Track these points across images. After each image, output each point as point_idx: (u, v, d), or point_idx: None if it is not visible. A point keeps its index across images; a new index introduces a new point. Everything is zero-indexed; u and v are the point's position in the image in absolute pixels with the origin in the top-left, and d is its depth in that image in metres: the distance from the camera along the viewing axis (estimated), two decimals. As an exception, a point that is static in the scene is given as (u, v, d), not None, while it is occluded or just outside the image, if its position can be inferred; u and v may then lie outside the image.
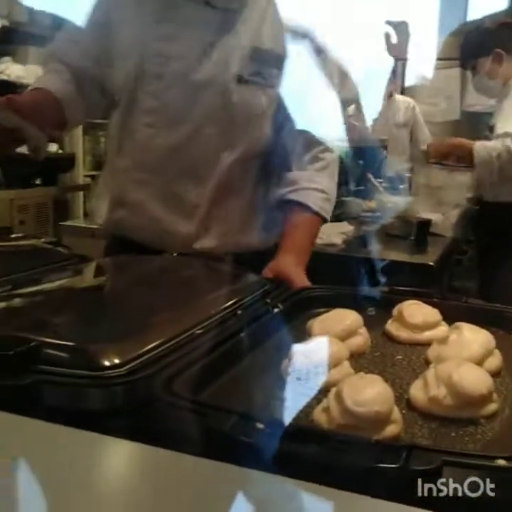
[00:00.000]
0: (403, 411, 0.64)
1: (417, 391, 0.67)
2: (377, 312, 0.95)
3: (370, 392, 0.59)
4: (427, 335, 0.85)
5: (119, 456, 0.57)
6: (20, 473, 0.51)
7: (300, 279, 1.10)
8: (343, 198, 2.42)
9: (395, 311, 0.90)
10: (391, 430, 0.58)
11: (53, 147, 3.62)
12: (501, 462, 0.50)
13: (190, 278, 1.03)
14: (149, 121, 1.21)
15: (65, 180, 3.75)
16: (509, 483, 0.50)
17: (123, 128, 1.25)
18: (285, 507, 0.49)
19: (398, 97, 3.96)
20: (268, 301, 0.93)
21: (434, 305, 0.91)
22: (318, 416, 0.61)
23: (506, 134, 2.18)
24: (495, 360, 0.77)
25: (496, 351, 0.78)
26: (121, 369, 0.63)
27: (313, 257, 1.26)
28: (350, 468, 0.49)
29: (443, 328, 0.86)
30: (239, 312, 0.87)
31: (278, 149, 1.25)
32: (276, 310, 0.90)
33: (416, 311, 0.88)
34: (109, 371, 0.62)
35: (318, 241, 2.00)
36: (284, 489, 0.50)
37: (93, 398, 0.62)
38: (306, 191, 1.23)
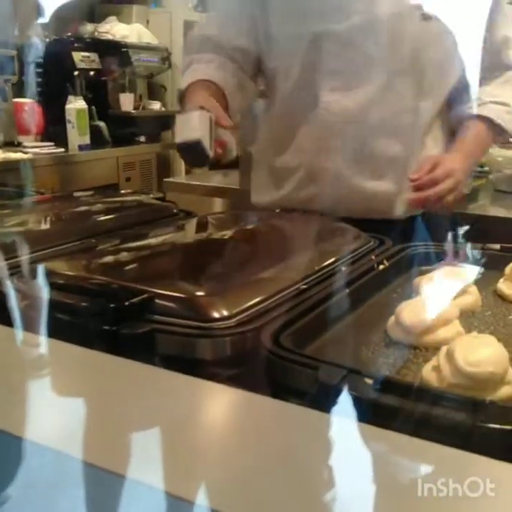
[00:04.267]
0: (517, 372, 0.62)
1: (532, 352, 0.64)
2: (487, 271, 0.91)
3: (484, 352, 0.57)
4: (542, 295, 0.81)
5: (225, 403, 0.59)
6: (132, 415, 0.54)
7: (451, 167, 1.06)
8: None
9: (507, 270, 0.87)
10: (505, 391, 0.56)
11: (156, 105, 3.69)
12: None
13: (294, 234, 1.03)
14: (334, 85, 1.14)
15: (167, 137, 3.83)
16: None
17: (299, 99, 1.18)
18: (391, 461, 0.49)
19: None
20: (373, 257, 0.92)
21: (550, 264, 0.86)
22: (428, 374, 0.60)
23: None
24: None
25: None
26: (231, 321, 0.64)
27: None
28: (464, 428, 0.48)
29: (560, 288, 0.82)
30: (343, 268, 0.86)
31: (464, 78, 1.20)
32: (381, 267, 0.89)
33: (531, 269, 0.84)
34: (219, 323, 0.64)
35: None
36: (391, 444, 0.50)
37: (203, 348, 0.64)
38: (486, 105, 1.18)
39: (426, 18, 1.10)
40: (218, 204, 2.38)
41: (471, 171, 1.15)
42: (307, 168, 1.20)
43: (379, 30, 1.10)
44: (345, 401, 0.54)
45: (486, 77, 1.21)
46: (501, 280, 0.87)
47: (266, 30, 1.18)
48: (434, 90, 1.17)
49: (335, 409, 0.54)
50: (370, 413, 0.52)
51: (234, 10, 1.24)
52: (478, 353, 0.57)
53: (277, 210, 1.16)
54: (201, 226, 1.07)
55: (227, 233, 0.97)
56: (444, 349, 0.60)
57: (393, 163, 1.17)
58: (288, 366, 0.58)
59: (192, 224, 1.11)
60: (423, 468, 0.46)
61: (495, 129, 1.18)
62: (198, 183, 2.37)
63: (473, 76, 1.21)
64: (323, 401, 0.55)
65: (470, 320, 0.77)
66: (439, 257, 0.94)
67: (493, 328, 0.75)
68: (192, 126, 1.00)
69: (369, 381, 0.53)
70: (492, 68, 1.21)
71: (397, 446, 0.49)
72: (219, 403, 0.59)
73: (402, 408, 0.50)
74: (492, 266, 0.91)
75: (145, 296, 0.66)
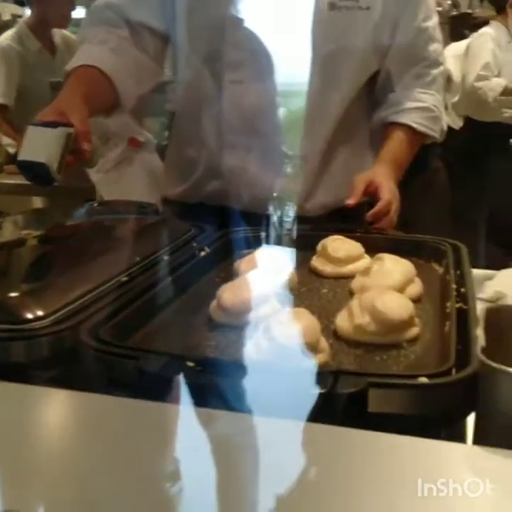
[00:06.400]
0: (330, 341, 0.66)
1: (342, 321, 0.68)
2: (302, 250, 0.96)
3: (297, 325, 0.60)
4: (350, 268, 0.88)
5: (48, 404, 0.57)
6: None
7: (389, 189, 1.04)
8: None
9: (319, 247, 0.92)
10: (319, 359, 0.60)
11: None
12: (423, 380, 0.52)
13: (114, 227, 1.01)
14: (237, 77, 1.08)
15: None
16: (431, 399, 0.53)
17: (204, 90, 1.12)
18: (216, 437, 0.50)
19: None
20: (194, 244, 0.93)
21: (357, 239, 0.93)
22: (250, 352, 0.62)
23: None
24: (415, 288, 0.79)
25: (417, 279, 0.81)
26: (46, 320, 0.62)
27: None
28: (281, 395, 0.50)
29: (366, 261, 0.89)
30: (165, 258, 0.86)
31: (382, 72, 1.16)
32: (202, 253, 0.90)
33: (339, 245, 0.90)
34: (34, 323, 0.61)
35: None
36: (214, 421, 0.51)
37: (18, 351, 0.61)
38: (410, 111, 1.16)
39: (333, 7, 1.06)
40: (35, 202, 2.27)
41: (398, 178, 1.11)
42: (209, 164, 1.16)
43: (284, 19, 1.04)
44: (170, 387, 0.54)
45: (403, 76, 1.16)
46: (314, 257, 0.92)
47: (172, 10, 1.10)
48: (342, 84, 1.11)
49: (163, 396, 0.54)
50: (195, 395, 0.53)
51: None
52: (292, 326, 0.60)
53: (95, 204, 1.13)
54: (13, 225, 1.01)
55: (43, 231, 0.93)
56: (261, 326, 0.62)
57: (301, 161, 1.13)
58: (109, 359, 0.57)
59: (4, 223, 1.04)
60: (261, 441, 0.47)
61: (420, 135, 1.17)
62: (12, 181, 2.23)
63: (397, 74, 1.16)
64: (150, 390, 0.55)
65: (287, 297, 0.80)
66: (258, 241, 0.97)
67: (309, 302, 0.79)
68: (41, 145, 0.90)
69: (191, 364, 0.54)
70: (409, 62, 1.16)
71: (217, 422, 0.50)
72: (43, 407, 0.57)
73: (222, 385, 0.52)
74: (306, 245, 0.96)
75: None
